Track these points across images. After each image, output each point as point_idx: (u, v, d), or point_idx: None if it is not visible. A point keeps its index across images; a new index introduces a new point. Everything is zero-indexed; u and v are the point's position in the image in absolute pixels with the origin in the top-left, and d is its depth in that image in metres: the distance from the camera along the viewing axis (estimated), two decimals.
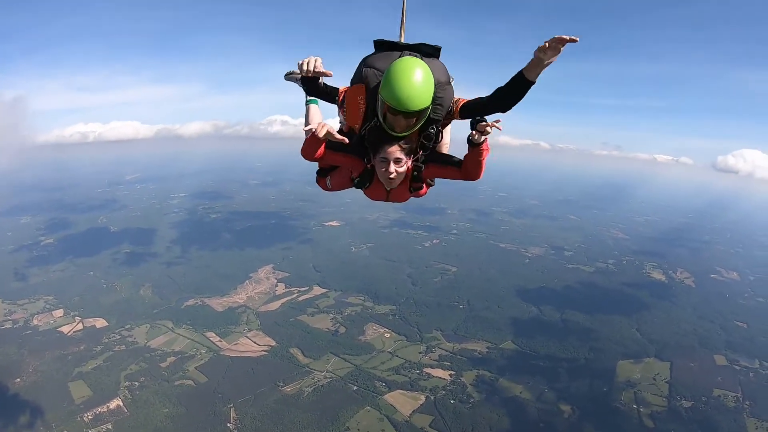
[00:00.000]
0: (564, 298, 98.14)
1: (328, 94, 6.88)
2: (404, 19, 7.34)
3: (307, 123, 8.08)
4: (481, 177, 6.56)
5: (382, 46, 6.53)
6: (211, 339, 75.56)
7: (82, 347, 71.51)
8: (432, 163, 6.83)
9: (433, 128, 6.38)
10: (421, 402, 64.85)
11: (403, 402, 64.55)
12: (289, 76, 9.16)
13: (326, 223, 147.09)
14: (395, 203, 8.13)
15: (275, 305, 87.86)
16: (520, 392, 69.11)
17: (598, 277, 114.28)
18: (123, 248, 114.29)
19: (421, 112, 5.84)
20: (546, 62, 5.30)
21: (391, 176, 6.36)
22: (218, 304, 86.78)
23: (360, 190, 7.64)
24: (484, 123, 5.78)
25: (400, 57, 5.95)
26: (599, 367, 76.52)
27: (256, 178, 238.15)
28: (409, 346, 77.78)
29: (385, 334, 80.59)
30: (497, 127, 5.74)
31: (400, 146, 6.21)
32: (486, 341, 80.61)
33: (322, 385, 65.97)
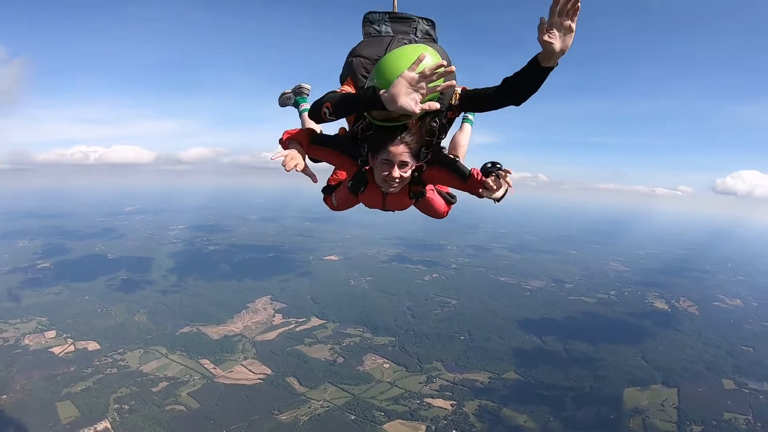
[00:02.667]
0: (566, 329, 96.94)
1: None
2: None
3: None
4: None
5: (369, 20, 5.88)
6: (205, 366, 74.06)
7: (72, 368, 69.97)
8: (436, 166, 5.82)
9: (435, 121, 5.29)
10: None
11: None
12: (282, 100, 8.88)
13: (325, 257, 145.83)
14: (394, 211, 6.97)
15: (272, 335, 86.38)
16: (525, 422, 67.48)
17: (600, 308, 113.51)
18: (119, 275, 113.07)
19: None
20: (558, 48, 4.10)
21: (395, 182, 5.42)
22: (214, 332, 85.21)
23: (355, 196, 6.56)
24: (494, 176, 4.96)
25: (392, 46, 5.30)
26: (605, 394, 75.08)
27: (255, 214, 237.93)
28: (409, 377, 76.27)
29: (384, 365, 79.07)
30: (508, 184, 4.95)
31: (407, 146, 5.16)
32: (488, 371, 79.10)
33: (318, 414, 64.23)
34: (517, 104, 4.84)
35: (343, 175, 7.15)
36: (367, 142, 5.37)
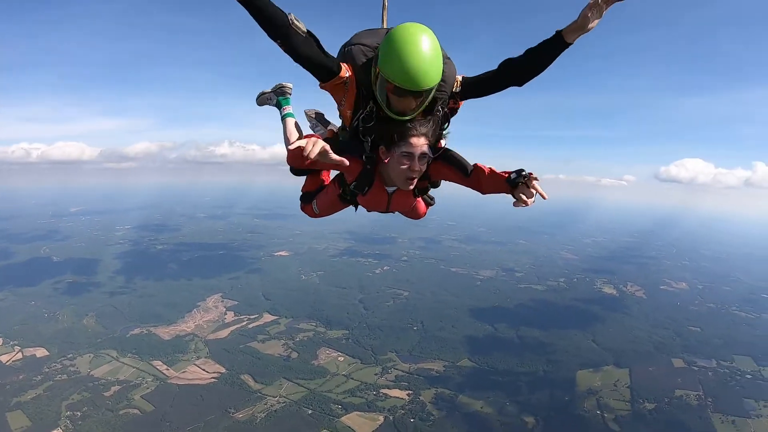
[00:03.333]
0: (518, 316, 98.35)
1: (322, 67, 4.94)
2: (386, 4, 6.21)
3: (287, 141, 6.94)
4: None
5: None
6: (157, 367, 72.83)
7: (21, 377, 68.21)
8: (440, 160, 5.47)
9: (439, 110, 5.11)
10: (379, 422, 63.32)
11: (361, 423, 62.82)
12: (260, 99, 8.00)
13: (275, 254, 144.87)
14: (396, 212, 6.50)
15: (224, 333, 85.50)
16: (481, 407, 68.29)
17: (550, 295, 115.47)
18: (65, 278, 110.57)
19: (432, 89, 4.65)
20: (590, 26, 4.31)
21: (416, 175, 5.14)
22: (165, 332, 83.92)
23: (350, 203, 6.35)
24: (527, 183, 4.73)
25: (395, 27, 4.66)
26: (559, 377, 76.60)
27: (203, 212, 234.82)
28: (364, 369, 76.45)
29: (339, 358, 79.04)
30: (538, 191, 4.74)
31: (426, 138, 4.97)
32: (442, 360, 79.86)
33: (275, 410, 63.81)
34: (521, 84, 4.88)
35: (326, 176, 7.19)
36: (374, 134, 5.14)
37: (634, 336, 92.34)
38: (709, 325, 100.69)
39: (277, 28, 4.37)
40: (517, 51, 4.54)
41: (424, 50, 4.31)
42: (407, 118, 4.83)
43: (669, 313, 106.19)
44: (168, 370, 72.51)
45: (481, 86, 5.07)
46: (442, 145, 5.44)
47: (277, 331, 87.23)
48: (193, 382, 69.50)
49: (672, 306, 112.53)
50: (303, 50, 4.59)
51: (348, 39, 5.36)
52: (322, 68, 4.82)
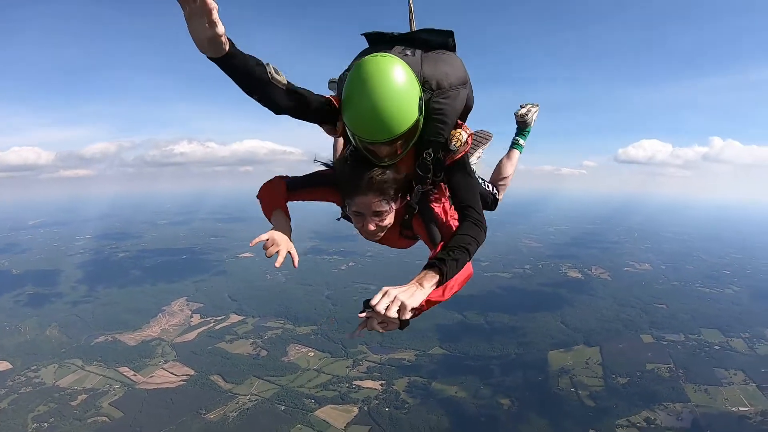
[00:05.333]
0: (486, 303, 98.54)
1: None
2: (412, 7, 5.22)
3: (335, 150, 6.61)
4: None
5: (371, 40, 4.60)
6: (124, 374, 71.70)
7: None
8: (419, 218, 4.78)
9: (429, 153, 4.27)
10: (354, 414, 63.19)
11: (336, 416, 62.58)
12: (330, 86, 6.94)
13: (239, 255, 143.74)
14: (387, 246, 5.64)
15: (191, 335, 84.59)
16: (456, 392, 68.59)
17: (516, 281, 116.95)
18: (26, 290, 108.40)
19: (405, 134, 3.87)
20: None
21: (373, 235, 4.50)
22: (130, 338, 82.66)
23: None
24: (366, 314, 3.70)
25: (367, 56, 3.88)
26: (531, 359, 77.39)
27: (164, 218, 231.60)
28: (335, 362, 76.38)
29: (309, 353, 78.85)
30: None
31: (379, 193, 4.17)
32: (413, 349, 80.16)
33: (247, 409, 63.28)
34: None
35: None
36: (339, 176, 4.51)
37: (602, 315, 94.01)
38: (674, 302, 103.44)
39: (255, 84, 3.70)
40: None
41: (381, 96, 3.60)
42: (384, 163, 4.12)
43: (635, 293, 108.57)
44: (135, 375, 71.35)
45: (450, 191, 4.60)
46: (421, 195, 4.70)
47: (245, 331, 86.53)
48: (162, 386, 68.50)
49: (637, 286, 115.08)
50: (284, 103, 3.93)
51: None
52: (309, 116, 4.25)
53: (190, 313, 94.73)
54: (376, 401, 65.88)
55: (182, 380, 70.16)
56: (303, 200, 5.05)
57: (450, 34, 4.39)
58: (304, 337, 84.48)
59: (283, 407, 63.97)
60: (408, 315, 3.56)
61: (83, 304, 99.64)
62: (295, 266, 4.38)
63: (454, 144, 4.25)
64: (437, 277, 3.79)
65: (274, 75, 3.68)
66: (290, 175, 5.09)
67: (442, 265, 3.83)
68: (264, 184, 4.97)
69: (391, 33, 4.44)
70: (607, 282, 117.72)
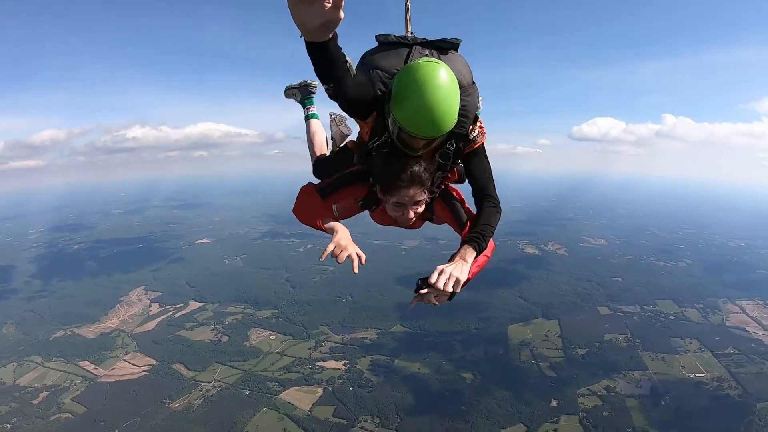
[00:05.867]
0: None
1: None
2: (408, 5, 5.49)
3: (311, 145, 7.18)
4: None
5: (387, 43, 4.88)
6: (85, 368, 70.51)
7: None
8: (441, 202, 5.54)
9: (452, 144, 4.80)
10: (319, 394, 63.60)
11: (301, 398, 62.84)
12: (288, 92, 7.90)
13: (196, 242, 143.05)
14: (405, 229, 6.48)
15: (151, 325, 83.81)
16: (419, 369, 69.59)
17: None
18: None
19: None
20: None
21: (410, 219, 5.10)
22: (89, 331, 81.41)
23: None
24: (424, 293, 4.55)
25: (412, 58, 4.55)
26: (491, 333, 78.77)
27: (118, 207, 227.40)
28: (298, 344, 76.65)
29: (271, 336, 78.91)
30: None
31: (420, 185, 4.72)
32: (375, 328, 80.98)
33: (211, 395, 63.10)
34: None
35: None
36: (375, 171, 4.94)
37: (560, 289, 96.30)
38: (629, 275, 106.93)
39: (337, 71, 3.97)
40: None
41: (439, 97, 3.96)
42: (418, 154, 4.58)
43: (591, 267, 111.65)
44: (96, 369, 70.33)
45: (469, 178, 5.29)
46: (452, 185, 5.59)
47: (205, 317, 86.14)
48: (124, 378, 67.73)
49: (593, 260, 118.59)
50: (353, 92, 4.26)
51: (365, 52, 4.98)
52: (365, 108, 4.60)
53: (149, 302, 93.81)
54: (340, 381, 66.39)
55: (144, 371, 69.60)
56: (337, 202, 5.50)
57: (458, 42, 4.80)
58: (265, 320, 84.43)
59: (247, 392, 64.01)
60: (460, 287, 4.39)
61: (39, 299, 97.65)
62: (363, 264, 4.79)
63: (474, 135, 4.85)
64: (475, 252, 4.71)
65: (351, 66, 4.08)
66: (315, 182, 5.75)
67: (480, 242, 4.78)
68: (298, 198, 5.54)
69: (407, 37, 4.84)
70: (564, 257, 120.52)
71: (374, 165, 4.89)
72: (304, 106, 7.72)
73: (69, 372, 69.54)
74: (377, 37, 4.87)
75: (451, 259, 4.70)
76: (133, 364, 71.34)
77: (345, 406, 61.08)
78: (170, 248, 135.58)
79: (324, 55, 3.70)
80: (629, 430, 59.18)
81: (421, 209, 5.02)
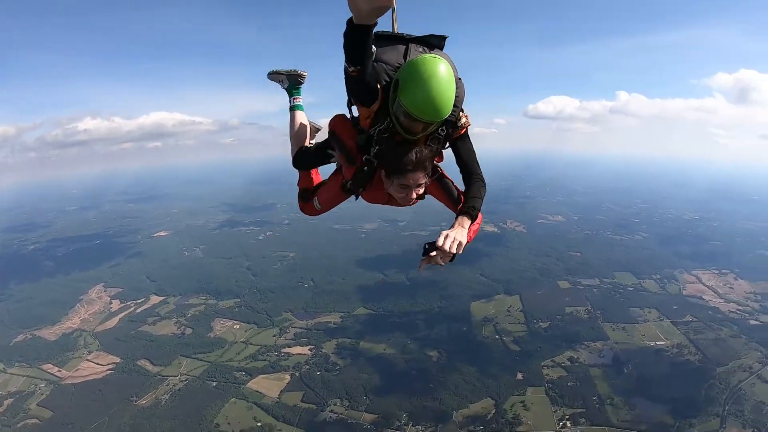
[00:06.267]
0: (405, 261, 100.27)
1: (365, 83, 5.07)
2: (395, 6, 5.52)
3: (293, 134, 7.53)
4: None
5: (383, 38, 5.48)
6: (49, 371, 69.32)
7: None
8: (436, 182, 6.12)
9: (443, 129, 5.45)
10: (287, 381, 63.84)
11: (269, 385, 63.02)
12: (273, 76, 8.10)
13: (154, 235, 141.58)
14: (396, 207, 6.57)
15: (113, 322, 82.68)
16: (384, 349, 70.23)
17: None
18: None
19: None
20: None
21: (413, 200, 5.63)
22: (50, 333, 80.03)
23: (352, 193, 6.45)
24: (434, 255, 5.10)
25: (410, 54, 5.28)
26: (454, 311, 79.65)
27: (72, 204, 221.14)
28: (262, 332, 76.62)
29: (235, 326, 78.75)
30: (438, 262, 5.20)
31: (424, 170, 5.32)
32: (338, 312, 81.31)
33: (179, 389, 62.84)
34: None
35: (318, 177, 7.55)
36: (381, 156, 5.40)
37: (520, 266, 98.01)
38: (587, 249, 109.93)
39: (368, 56, 4.53)
40: None
41: (442, 87, 4.61)
42: (416, 137, 5.15)
43: (549, 243, 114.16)
44: (60, 371, 69.35)
45: (458, 159, 5.86)
46: (439, 166, 6.03)
47: (167, 311, 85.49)
48: (89, 378, 66.90)
49: (551, 236, 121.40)
50: (370, 78, 4.86)
51: None
52: (373, 94, 5.08)
53: (109, 299, 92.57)
54: (307, 366, 66.72)
55: (109, 369, 68.85)
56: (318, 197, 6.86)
57: (445, 38, 5.48)
58: (228, 310, 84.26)
59: (214, 383, 63.90)
60: (462, 249, 5.07)
61: None
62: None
63: (462, 122, 5.51)
64: (470, 221, 5.45)
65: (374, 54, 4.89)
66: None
67: (473, 212, 5.52)
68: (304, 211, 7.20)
69: (403, 34, 5.48)
70: (523, 234, 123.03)
71: (381, 151, 5.35)
72: (290, 95, 8.00)
73: (32, 377, 68.32)
74: (376, 32, 5.13)
75: (452, 225, 5.33)
76: (97, 364, 70.49)
77: (313, 390, 61.39)
78: (128, 243, 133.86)
79: (364, 39, 4.22)
80: (594, 398, 60.71)
81: (422, 190, 5.54)
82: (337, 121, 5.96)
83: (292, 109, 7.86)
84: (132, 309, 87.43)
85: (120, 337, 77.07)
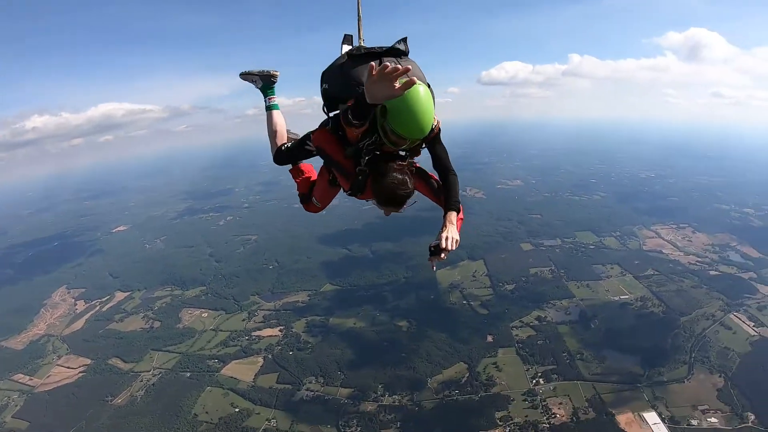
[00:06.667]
0: (368, 234, 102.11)
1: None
2: (360, 15, 7.20)
3: (272, 135, 8.06)
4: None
5: (356, 57, 6.01)
6: (20, 381, 68.25)
7: None
8: (419, 180, 6.72)
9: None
10: (260, 364, 64.16)
11: (243, 370, 63.25)
12: (245, 76, 8.45)
13: (113, 230, 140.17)
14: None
15: (79, 324, 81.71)
16: (354, 323, 70.85)
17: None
18: None
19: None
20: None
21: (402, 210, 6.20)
22: (17, 342, 78.84)
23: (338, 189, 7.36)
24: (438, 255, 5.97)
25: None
26: (420, 280, 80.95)
27: (27, 208, 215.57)
28: (231, 318, 76.75)
29: (203, 314, 78.70)
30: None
31: (408, 196, 5.94)
32: (305, 290, 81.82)
33: (153, 384, 62.71)
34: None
35: (313, 174, 8.33)
36: (371, 164, 5.99)
37: (482, 231, 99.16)
38: (547, 211, 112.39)
39: (371, 112, 5.25)
40: None
41: (423, 110, 5.27)
42: (402, 148, 5.97)
43: (509, 207, 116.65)
44: (32, 380, 68.34)
45: (434, 158, 6.71)
46: (416, 162, 6.59)
47: (134, 306, 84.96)
48: (62, 383, 66.18)
49: (511, 200, 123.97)
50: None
51: (339, 63, 6.17)
52: (366, 119, 5.47)
53: (74, 300, 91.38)
54: (279, 347, 67.10)
55: (81, 372, 68.18)
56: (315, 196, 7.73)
57: (406, 39, 6.08)
58: (195, 299, 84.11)
59: (188, 374, 63.90)
60: (457, 244, 5.94)
61: None
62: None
63: (434, 125, 6.01)
64: (457, 214, 6.33)
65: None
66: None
67: (457, 205, 6.41)
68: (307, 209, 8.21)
69: (376, 47, 6.04)
70: (483, 200, 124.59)
71: (373, 160, 5.96)
72: (265, 95, 8.31)
73: (4, 389, 67.09)
74: (350, 52, 6.05)
75: (444, 225, 6.15)
76: (69, 368, 69.77)
77: (287, 371, 61.84)
78: (87, 241, 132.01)
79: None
80: (564, 354, 62.26)
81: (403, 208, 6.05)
82: (321, 139, 6.36)
83: (268, 108, 8.21)
84: (98, 308, 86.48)
85: (88, 338, 76.28)
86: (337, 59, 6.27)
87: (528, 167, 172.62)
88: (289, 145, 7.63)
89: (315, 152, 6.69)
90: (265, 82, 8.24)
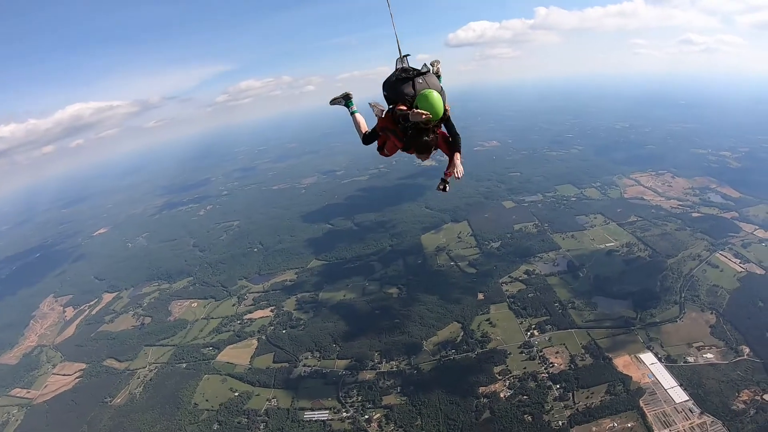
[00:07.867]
0: (349, 207, 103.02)
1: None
2: (397, 34, 10.15)
3: (357, 126, 10.79)
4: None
5: (400, 79, 8.99)
6: (18, 395, 67.91)
7: None
8: (443, 141, 9.48)
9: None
10: (255, 346, 64.39)
11: (238, 354, 63.47)
12: (334, 101, 11.70)
13: (94, 234, 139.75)
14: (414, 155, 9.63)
15: (70, 330, 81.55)
16: (344, 296, 71.19)
17: (375, 181, 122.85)
18: None
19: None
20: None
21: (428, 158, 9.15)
22: (11, 357, 78.43)
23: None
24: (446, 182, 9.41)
25: (416, 85, 8.75)
26: (406, 247, 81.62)
27: (5, 223, 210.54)
28: (221, 304, 77.00)
29: (193, 304, 78.77)
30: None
31: (431, 151, 8.95)
32: (292, 269, 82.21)
33: (150, 379, 62.68)
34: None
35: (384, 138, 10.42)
36: (408, 138, 8.76)
37: (463, 193, 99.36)
38: (526, 168, 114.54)
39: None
40: None
41: (436, 103, 8.18)
42: (430, 126, 8.44)
43: (488, 167, 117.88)
44: (29, 392, 68.01)
45: (447, 129, 9.36)
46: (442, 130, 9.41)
47: (123, 305, 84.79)
48: (60, 392, 66.07)
49: (489, 161, 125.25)
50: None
51: (390, 80, 9.13)
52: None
53: (62, 308, 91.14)
54: (272, 327, 67.43)
55: (77, 378, 68.05)
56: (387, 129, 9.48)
57: (428, 71, 9.27)
58: (183, 290, 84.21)
59: (184, 365, 63.95)
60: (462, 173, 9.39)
61: None
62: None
63: (446, 112, 8.85)
64: (459, 152, 9.53)
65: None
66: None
67: (460, 149, 9.50)
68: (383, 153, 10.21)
69: (412, 71, 8.92)
70: (462, 162, 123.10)
71: (410, 140, 8.68)
72: (348, 107, 11.39)
73: (3, 405, 66.66)
74: (398, 75, 8.94)
75: (451, 162, 9.42)
76: (64, 375, 69.58)
77: (282, 349, 62.15)
78: (69, 248, 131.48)
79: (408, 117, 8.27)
80: (556, 304, 63.33)
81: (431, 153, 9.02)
82: (385, 122, 9.33)
83: (352, 114, 11.17)
84: (87, 312, 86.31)
85: (81, 343, 76.08)
86: (390, 75, 9.41)
87: (503, 128, 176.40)
88: (369, 131, 10.17)
89: (381, 132, 9.53)
90: (347, 100, 11.52)
